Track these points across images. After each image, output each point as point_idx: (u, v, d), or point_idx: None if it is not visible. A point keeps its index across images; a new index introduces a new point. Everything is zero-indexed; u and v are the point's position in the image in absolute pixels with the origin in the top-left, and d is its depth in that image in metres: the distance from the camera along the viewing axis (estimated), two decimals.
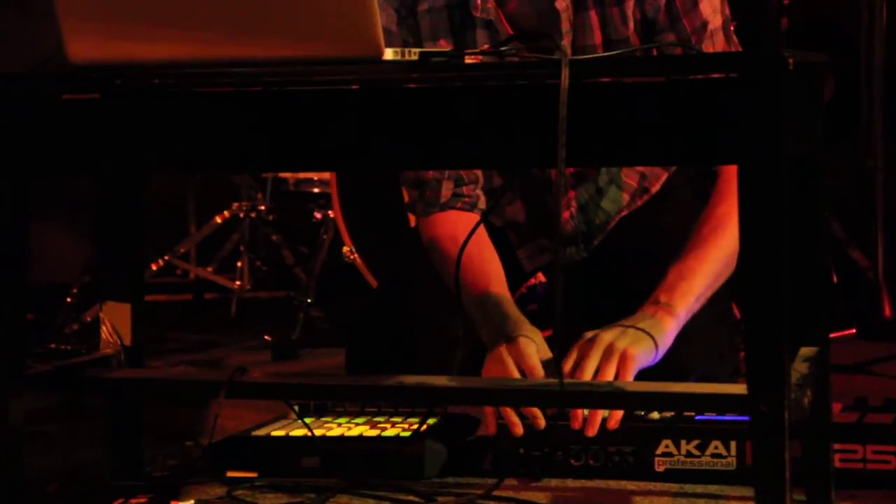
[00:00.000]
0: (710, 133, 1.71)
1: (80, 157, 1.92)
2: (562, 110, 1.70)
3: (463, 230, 2.37)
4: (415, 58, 1.79)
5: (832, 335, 3.26)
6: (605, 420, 2.19)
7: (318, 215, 4.46)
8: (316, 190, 4.49)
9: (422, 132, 1.81)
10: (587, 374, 2.16)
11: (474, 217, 2.47)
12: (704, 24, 2.38)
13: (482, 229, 2.43)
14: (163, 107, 1.86)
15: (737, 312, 2.68)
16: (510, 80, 1.77)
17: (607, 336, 2.21)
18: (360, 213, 4.02)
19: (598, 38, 2.40)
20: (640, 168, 2.61)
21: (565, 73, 1.70)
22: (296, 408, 2.33)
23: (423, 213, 2.51)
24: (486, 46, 2.31)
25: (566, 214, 2.58)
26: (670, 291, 2.31)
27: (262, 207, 4.76)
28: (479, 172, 2.52)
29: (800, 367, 1.91)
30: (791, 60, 1.67)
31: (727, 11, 2.42)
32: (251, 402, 2.35)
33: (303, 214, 4.64)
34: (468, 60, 1.80)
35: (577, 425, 2.18)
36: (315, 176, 4.46)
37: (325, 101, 1.81)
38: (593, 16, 2.39)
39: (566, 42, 2.37)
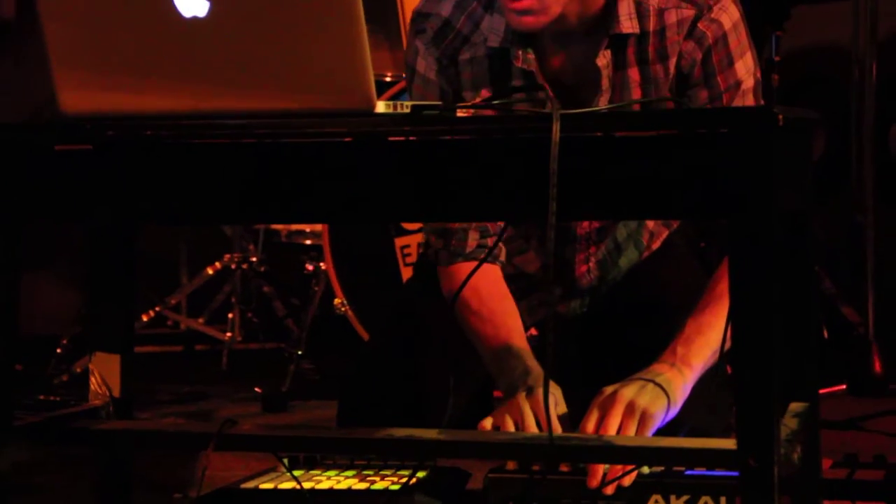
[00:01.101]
0: (700, 188, 1.71)
1: (72, 207, 1.93)
2: (553, 164, 1.70)
3: (485, 282, 2.38)
4: (407, 111, 1.80)
5: (822, 391, 3.27)
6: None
7: (310, 267, 4.46)
8: (308, 242, 4.49)
9: (413, 185, 1.82)
10: (611, 433, 2.14)
11: (495, 268, 2.48)
12: (738, 84, 2.38)
13: (503, 281, 2.45)
14: (155, 158, 1.87)
15: (728, 368, 2.68)
16: (501, 133, 1.77)
17: (627, 392, 2.19)
18: (352, 266, 4.02)
19: (636, 95, 2.40)
20: (649, 226, 2.62)
21: (556, 127, 1.71)
22: (285, 460, 2.32)
23: (447, 263, 2.51)
24: (478, 100, 2.32)
25: (583, 269, 2.59)
26: (687, 345, 2.30)
27: (254, 259, 4.76)
28: (501, 224, 2.52)
29: (789, 423, 1.90)
30: (781, 117, 1.68)
31: (759, 75, 2.42)
32: (241, 454, 2.34)
33: (294, 266, 4.63)
34: (460, 114, 1.81)
35: (594, 483, 2.15)
36: (307, 228, 4.47)
37: (318, 153, 1.81)
38: (634, 73, 2.39)
39: (604, 100, 2.37)
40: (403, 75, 3.99)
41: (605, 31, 2.36)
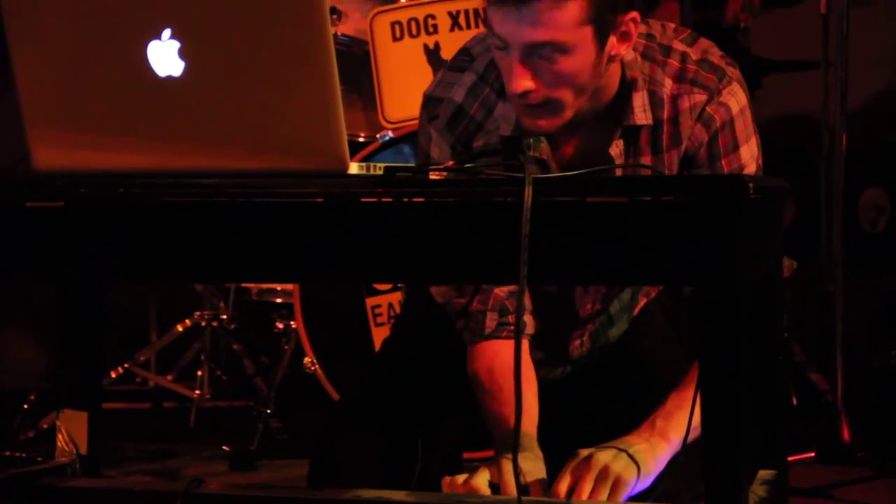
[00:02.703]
0: (669, 254, 1.72)
1: (43, 263, 1.92)
2: (525, 227, 1.71)
3: (500, 361, 2.36)
4: (380, 172, 1.80)
5: (791, 458, 3.27)
6: None
7: (280, 325, 4.44)
8: (279, 300, 4.48)
9: (385, 245, 1.82)
10: (583, 497, 2.14)
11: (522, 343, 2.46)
12: (741, 169, 2.37)
13: (528, 357, 2.41)
14: (127, 215, 1.86)
15: None
16: (474, 196, 1.78)
17: (603, 457, 2.19)
18: (323, 325, 4.01)
19: None
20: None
21: (528, 191, 1.71)
22: None
23: (469, 343, 2.49)
24: (450, 163, 2.32)
25: (577, 342, 2.58)
26: (668, 419, 2.29)
27: (224, 316, 4.74)
28: (527, 300, 2.49)
29: (758, 490, 1.91)
30: (751, 185, 1.69)
31: (761, 161, 2.43)
32: None
33: (265, 324, 4.62)
34: (433, 176, 1.82)
35: None
36: (278, 286, 4.45)
37: (290, 213, 1.82)
38: (647, 161, 2.37)
39: None
40: (377, 136, 4.01)
41: (618, 121, 2.35)
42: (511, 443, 2.29)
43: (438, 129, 2.42)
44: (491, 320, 2.45)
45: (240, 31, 1.75)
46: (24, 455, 3.85)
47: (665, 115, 2.36)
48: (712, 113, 2.35)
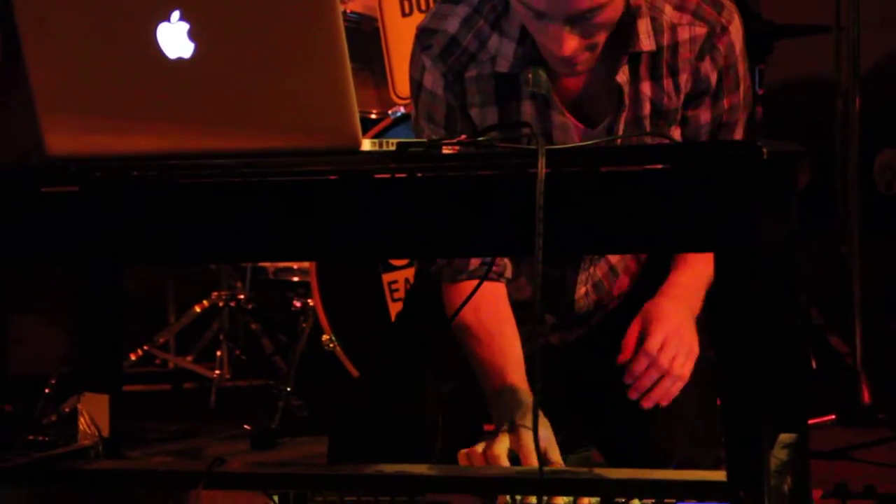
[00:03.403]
0: (686, 221, 1.72)
1: (60, 248, 1.92)
2: (539, 199, 1.70)
3: (486, 300, 2.37)
4: (392, 148, 1.80)
5: (811, 421, 3.27)
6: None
7: (298, 304, 4.45)
8: (296, 278, 4.48)
9: (399, 221, 1.82)
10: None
11: (500, 286, 2.48)
12: (737, 107, 2.42)
13: (506, 302, 2.45)
14: (142, 198, 1.86)
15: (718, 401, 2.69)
16: (487, 169, 1.78)
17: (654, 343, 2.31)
18: (340, 302, 4.02)
19: (648, 110, 2.41)
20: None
21: (541, 163, 1.71)
22: (275, 498, 2.32)
23: (451, 280, 2.50)
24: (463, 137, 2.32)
25: (583, 290, 2.59)
26: (688, 288, 2.42)
27: (242, 296, 4.75)
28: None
29: (779, 454, 1.91)
30: (765, 150, 1.69)
31: (749, 91, 2.47)
32: (231, 492, 2.33)
33: (282, 303, 4.62)
34: (446, 150, 1.82)
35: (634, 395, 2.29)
36: (294, 265, 4.46)
37: (304, 191, 1.81)
38: (646, 88, 2.40)
39: (624, 116, 2.39)
40: (389, 112, 4.01)
41: (624, 48, 2.37)
42: (509, 405, 2.31)
43: (431, 57, 2.43)
44: (475, 259, 2.47)
45: (248, 10, 1.75)
46: (46, 439, 3.87)
47: (665, 41, 2.39)
48: (720, 48, 2.38)
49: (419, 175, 1.79)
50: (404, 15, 3.95)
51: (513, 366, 2.40)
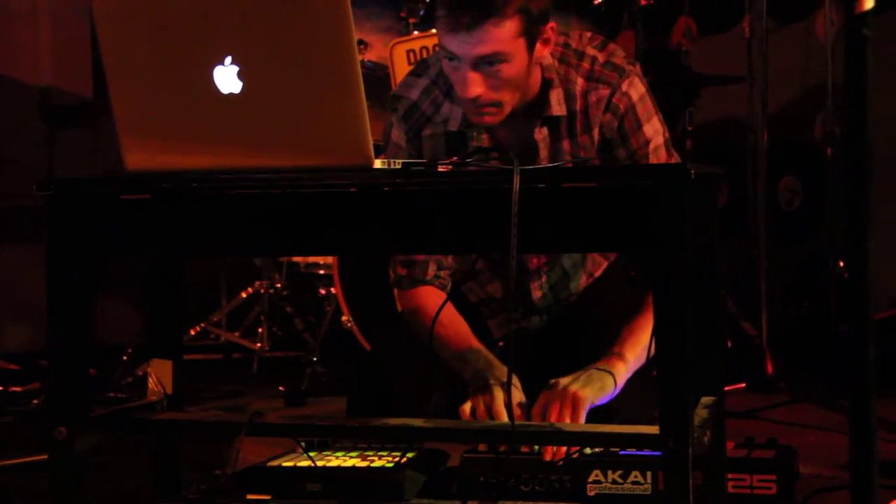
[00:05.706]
0: (629, 228, 1.71)
1: (135, 243, 1.92)
2: (514, 208, 1.70)
3: (436, 303, 2.37)
4: (398, 167, 1.79)
5: (726, 388, 3.26)
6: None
7: (323, 291, 4.45)
8: (322, 271, 4.49)
9: (404, 224, 1.81)
10: (552, 417, 2.15)
11: (443, 295, 2.48)
12: (647, 142, 2.40)
13: (451, 305, 2.43)
14: (200, 204, 1.86)
15: (654, 371, 2.68)
16: (474, 184, 1.77)
17: (564, 381, 2.22)
18: (357, 290, 4.01)
19: (567, 159, 2.41)
20: (594, 257, 2.63)
21: (516, 180, 1.71)
22: (303, 444, 2.31)
23: (408, 287, 2.51)
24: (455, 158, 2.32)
25: (538, 293, 2.59)
26: (622, 344, 2.32)
27: (279, 285, 4.74)
28: (451, 260, 2.53)
29: (701, 413, 1.90)
30: (693, 172, 1.68)
31: (667, 134, 2.44)
32: (268, 439, 2.32)
33: (311, 291, 4.62)
34: (441, 169, 1.81)
35: (548, 457, 2.17)
36: (321, 260, 4.46)
37: (329, 200, 1.81)
38: (566, 144, 2.41)
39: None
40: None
41: (539, 113, 2.38)
42: (485, 370, 2.29)
43: (397, 118, 2.45)
44: (432, 270, 2.49)
45: (284, 56, 1.74)
46: (123, 395, 3.86)
47: (577, 106, 2.38)
48: (617, 103, 2.38)
49: (420, 188, 1.78)
50: (410, 64, 3.94)
51: (471, 338, 2.40)
